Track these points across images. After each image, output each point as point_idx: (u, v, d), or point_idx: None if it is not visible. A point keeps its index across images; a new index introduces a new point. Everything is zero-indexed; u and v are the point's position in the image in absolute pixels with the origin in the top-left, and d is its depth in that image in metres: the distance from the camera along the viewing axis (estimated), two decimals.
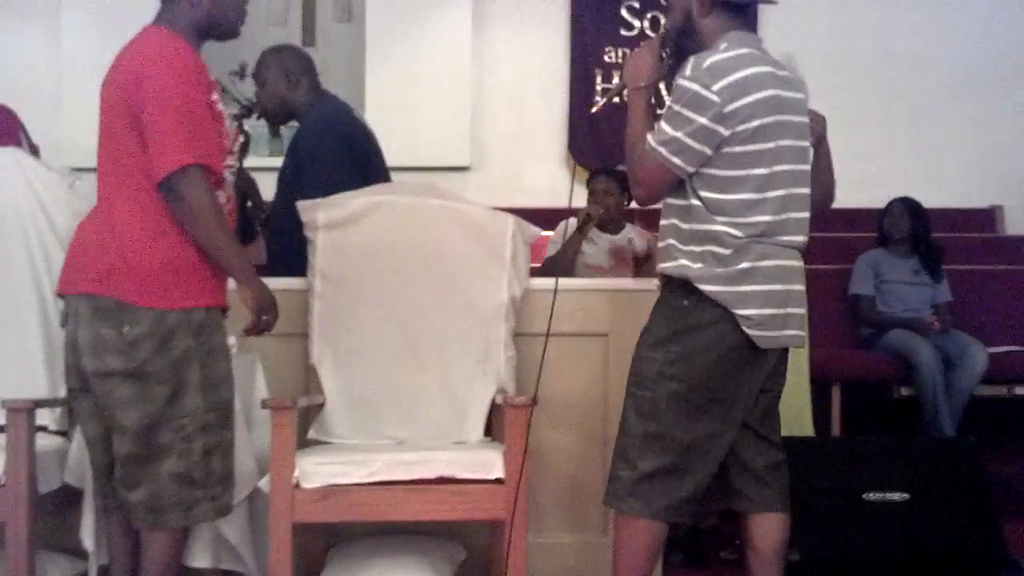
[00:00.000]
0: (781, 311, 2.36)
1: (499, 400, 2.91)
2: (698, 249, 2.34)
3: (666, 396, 2.36)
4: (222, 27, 2.48)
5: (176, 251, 2.36)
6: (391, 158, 3.83)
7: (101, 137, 2.44)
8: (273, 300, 2.50)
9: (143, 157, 2.33)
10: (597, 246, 4.23)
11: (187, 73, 2.35)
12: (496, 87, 5.78)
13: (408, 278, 3.08)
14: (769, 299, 2.34)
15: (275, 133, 5.59)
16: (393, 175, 3.82)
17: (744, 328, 2.33)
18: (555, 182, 5.73)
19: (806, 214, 2.42)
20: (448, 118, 5.59)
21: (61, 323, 2.51)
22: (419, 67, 5.62)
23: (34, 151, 3.78)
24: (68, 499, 2.83)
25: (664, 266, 2.42)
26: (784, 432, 2.58)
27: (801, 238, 2.41)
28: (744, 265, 2.32)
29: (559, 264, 3.99)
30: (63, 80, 5.27)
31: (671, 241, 2.39)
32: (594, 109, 2.92)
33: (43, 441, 2.79)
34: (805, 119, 2.43)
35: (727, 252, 2.32)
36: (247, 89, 5.67)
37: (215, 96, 2.44)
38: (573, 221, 4.31)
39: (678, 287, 2.38)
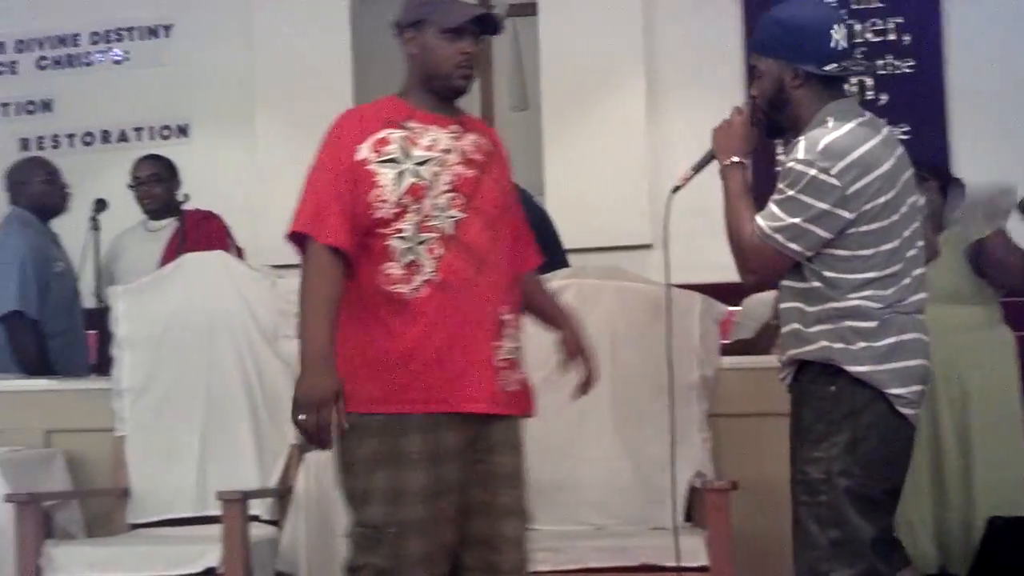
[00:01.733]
0: (923, 387, 2.22)
1: (697, 484, 2.85)
2: (833, 327, 2.18)
3: (842, 496, 2.17)
4: (436, 80, 2.21)
5: (358, 348, 2.12)
6: (572, 240, 3.86)
7: None
8: (308, 406, 2.03)
9: None
10: None
11: (328, 141, 2.20)
12: (674, 163, 5.73)
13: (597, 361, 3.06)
14: (914, 376, 2.20)
15: None
16: (575, 257, 3.84)
17: (898, 408, 2.18)
18: None
19: (923, 269, 2.26)
20: (627, 197, 5.59)
21: None
22: (596, 148, 5.66)
23: (240, 254, 4.01)
24: None
25: (800, 351, 2.24)
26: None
27: (923, 295, 2.26)
28: (889, 340, 2.17)
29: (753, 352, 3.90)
30: (260, 185, 5.57)
31: (797, 325, 2.23)
32: (679, 184, 2.41)
33: (256, 531, 2.90)
34: (911, 170, 2.27)
35: (869, 326, 2.17)
36: None
37: (366, 154, 2.14)
38: (758, 297, 4.21)
39: (818, 373, 2.22)
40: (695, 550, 2.61)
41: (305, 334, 2.07)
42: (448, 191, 2.14)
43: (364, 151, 2.13)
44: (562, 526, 2.92)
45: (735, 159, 2.31)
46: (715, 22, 5.71)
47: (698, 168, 2.44)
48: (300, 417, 2.03)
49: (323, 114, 2.57)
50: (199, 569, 2.77)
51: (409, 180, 2.12)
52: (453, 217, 2.13)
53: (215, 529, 2.81)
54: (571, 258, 3.83)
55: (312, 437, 2.05)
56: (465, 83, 2.21)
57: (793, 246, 2.18)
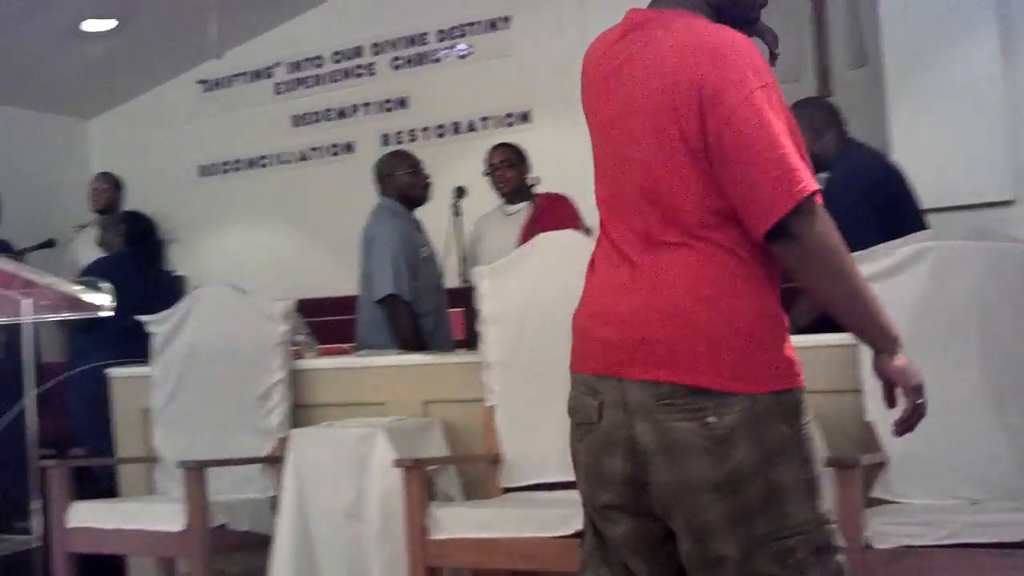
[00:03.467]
0: None
1: None
2: None
3: None
4: (739, 9, 1.87)
5: (765, 317, 1.77)
6: (924, 199, 3.69)
7: (620, 165, 1.84)
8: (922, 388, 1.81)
9: (705, 193, 1.74)
10: None
11: (763, 79, 1.71)
12: None
13: (963, 327, 2.92)
14: None
15: None
16: (929, 217, 3.68)
17: None
18: None
19: None
20: (983, 152, 5.22)
21: (595, 416, 1.81)
22: (945, 101, 5.33)
23: (588, 232, 4.17)
24: None
25: None
26: None
27: None
28: None
29: None
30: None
31: None
32: None
33: None
34: None
35: None
36: None
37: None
38: None
39: None
40: None
41: (874, 303, 1.81)
42: None
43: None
44: (935, 499, 2.82)
45: None
46: None
47: None
48: (920, 401, 1.80)
49: None
50: (570, 531, 2.87)
51: None
52: None
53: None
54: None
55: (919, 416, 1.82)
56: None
57: None
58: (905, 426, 1.82)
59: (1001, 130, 5.24)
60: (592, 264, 1.94)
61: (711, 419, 1.71)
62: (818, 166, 3.68)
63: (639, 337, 1.76)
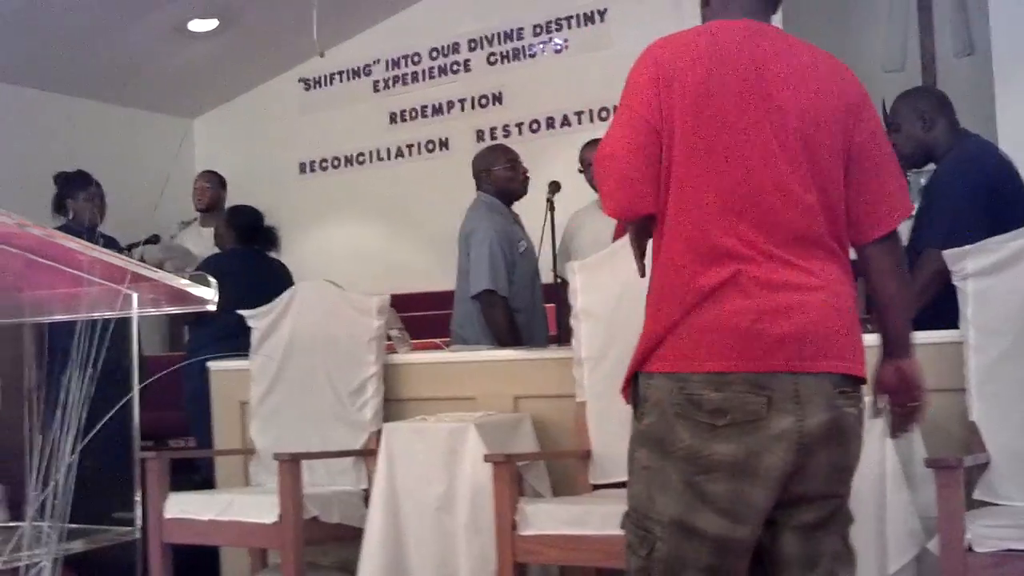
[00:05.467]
0: None
1: None
2: None
3: None
4: None
5: None
6: None
7: (757, 165, 1.94)
8: None
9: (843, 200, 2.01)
10: None
11: None
12: None
13: None
14: None
15: None
16: None
17: None
18: None
19: None
20: None
21: (763, 411, 1.88)
22: None
23: None
24: None
25: None
26: None
27: None
28: None
29: None
30: None
31: None
32: None
33: None
34: None
35: None
36: None
37: None
38: None
39: None
40: None
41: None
42: None
43: None
44: None
45: None
46: None
47: None
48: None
49: None
50: None
51: None
52: None
53: None
54: None
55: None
56: None
57: None
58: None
59: None
60: (699, 262, 1.99)
61: (862, 405, 1.99)
62: (927, 157, 3.59)
63: (821, 331, 1.92)
